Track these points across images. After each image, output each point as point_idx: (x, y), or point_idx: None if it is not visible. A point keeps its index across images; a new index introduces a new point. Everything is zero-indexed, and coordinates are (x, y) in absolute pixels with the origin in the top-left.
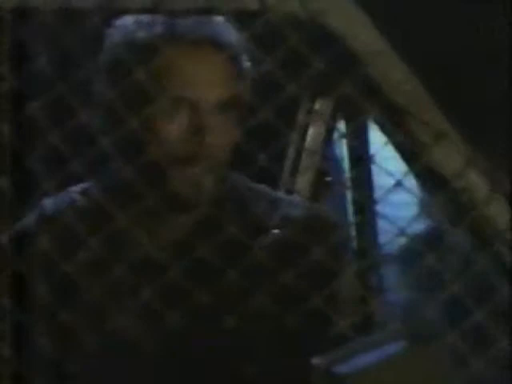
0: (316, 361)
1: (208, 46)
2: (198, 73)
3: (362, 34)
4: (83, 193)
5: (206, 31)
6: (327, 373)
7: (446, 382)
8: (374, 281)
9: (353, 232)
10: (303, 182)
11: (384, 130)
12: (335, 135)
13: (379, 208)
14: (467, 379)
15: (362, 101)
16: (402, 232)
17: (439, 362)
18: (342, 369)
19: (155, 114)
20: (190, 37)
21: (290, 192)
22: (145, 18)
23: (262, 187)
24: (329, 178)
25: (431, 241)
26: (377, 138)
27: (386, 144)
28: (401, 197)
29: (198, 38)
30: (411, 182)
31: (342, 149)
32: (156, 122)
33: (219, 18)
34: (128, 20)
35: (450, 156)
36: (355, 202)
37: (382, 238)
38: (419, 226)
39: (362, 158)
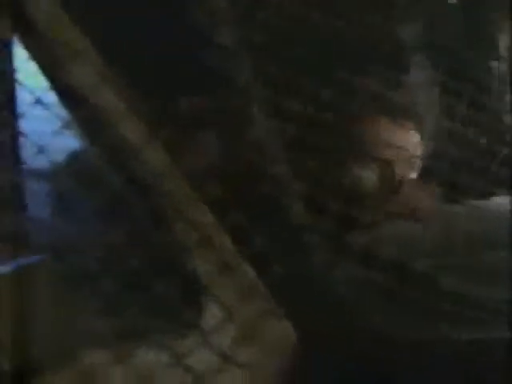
0: None
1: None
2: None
3: None
4: None
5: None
6: None
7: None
8: (14, 197)
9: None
10: None
11: (26, 47)
12: None
13: (21, 124)
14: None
15: (2, 18)
16: (41, 149)
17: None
18: None
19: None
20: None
21: None
22: None
23: None
24: None
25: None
26: (20, 54)
27: (28, 60)
28: (43, 112)
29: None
30: (53, 98)
31: None
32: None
33: None
34: None
35: (86, 73)
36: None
37: (24, 154)
38: (62, 141)
39: (4, 73)
